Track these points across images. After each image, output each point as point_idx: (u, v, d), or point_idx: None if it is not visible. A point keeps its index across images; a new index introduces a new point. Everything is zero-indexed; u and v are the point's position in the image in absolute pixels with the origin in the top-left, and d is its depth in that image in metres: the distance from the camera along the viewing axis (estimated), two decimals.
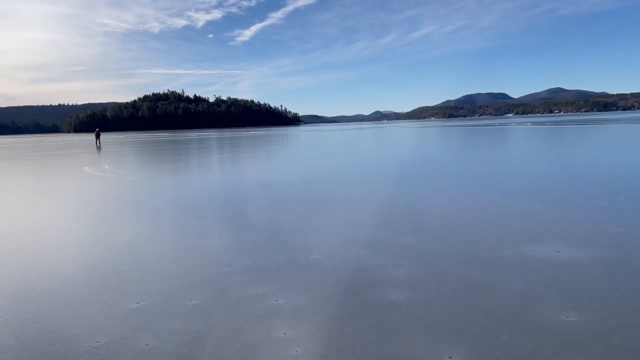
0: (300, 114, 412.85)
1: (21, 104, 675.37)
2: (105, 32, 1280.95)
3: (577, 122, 62.01)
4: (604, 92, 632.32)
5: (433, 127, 72.18)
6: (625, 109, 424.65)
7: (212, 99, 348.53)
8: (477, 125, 71.46)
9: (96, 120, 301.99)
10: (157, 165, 19.45)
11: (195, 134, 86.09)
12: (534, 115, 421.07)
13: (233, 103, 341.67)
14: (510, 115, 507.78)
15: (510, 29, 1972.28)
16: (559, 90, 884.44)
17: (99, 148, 39.08)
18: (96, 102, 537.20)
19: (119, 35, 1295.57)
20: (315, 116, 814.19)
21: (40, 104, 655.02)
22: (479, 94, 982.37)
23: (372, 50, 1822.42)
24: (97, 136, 45.36)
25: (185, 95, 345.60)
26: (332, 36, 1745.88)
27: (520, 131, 42.18)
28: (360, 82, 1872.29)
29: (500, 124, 73.34)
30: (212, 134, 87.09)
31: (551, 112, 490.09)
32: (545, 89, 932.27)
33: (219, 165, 18.14)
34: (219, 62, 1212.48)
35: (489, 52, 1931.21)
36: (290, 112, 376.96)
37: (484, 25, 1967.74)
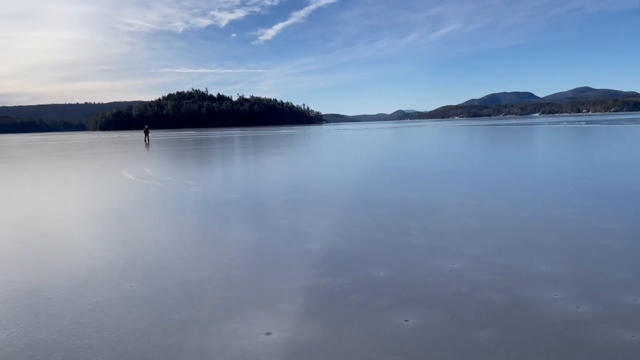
0: (322, 113, 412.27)
1: (49, 103, 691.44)
2: (131, 32, 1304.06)
3: (618, 122, 59.68)
4: (634, 92, 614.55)
5: (469, 127, 70.44)
6: None
7: (235, 98, 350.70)
8: (516, 125, 69.53)
9: (121, 118, 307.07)
10: (211, 167, 17.66)
11: (225, 132, 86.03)
12: (561, 115, 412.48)
13: (256, 102, 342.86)
14: (537, 115, 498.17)
15: (536, 27, 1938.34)
16: (586, 89, 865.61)
17: (147, 145, 39.28)
18: (121, 100, 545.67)
19: (144, 35, 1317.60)
20: (337, 115, 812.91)
21: (67, 103, 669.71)
22: (504, 93, 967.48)
23: (394, 49, 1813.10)
24: (146, 133, 45.83)
25: (209, 94, 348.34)
26: (354, 35, 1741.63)
27: (568, 131, 40.55)
28: (382, 81, 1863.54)
29: (538, 123, 71.24)
30: (242, 132, 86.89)
31: (579, 111, 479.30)
32: (572, 88, 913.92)
33: (284, 167, 16.54)
34: (242, 61, 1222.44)
35: (514, 50, 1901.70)
36: (312, 110, 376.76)
37: (509, 23, 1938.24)
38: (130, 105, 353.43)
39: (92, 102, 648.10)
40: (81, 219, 7.91)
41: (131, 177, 13.33)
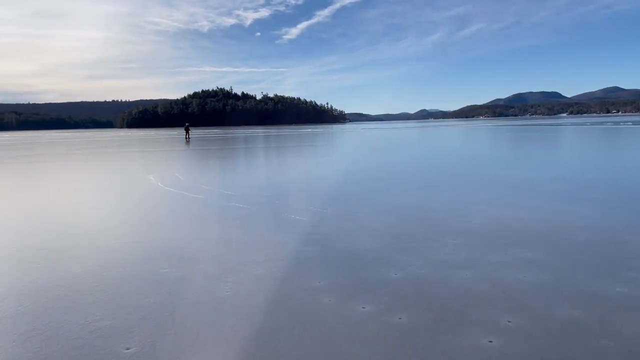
0: (345, 112, 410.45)
1: (77, 100, 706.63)
2: (157, 31, 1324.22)
3: None
4: None
5: (504, 127, 68.27)
6: None
7: (259, 96, 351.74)
8: (552, 125, 67.15)
9: (148, 116, 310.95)
10: (251, 172, 15.53)
11: (253, 131, 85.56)
12: (589, 115, 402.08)
13: (280, 100, 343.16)
14: (564, 115, 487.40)
15: (563, 25, 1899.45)
16: (616, 89, 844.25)
17: (187, 142, 39.59)
18: (148, 98, 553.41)
19: (170, 33, 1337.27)
20: (360, 114, 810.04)
21: (95, 100, 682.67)
22: (530, 92, 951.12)
23: (418, 48, 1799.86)
24: (187, 130, 47.83)
25: (233, 93, 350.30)
26: (378, 34, 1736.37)
27: (619, 132, 38.52)
28: (406, 80, 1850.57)
29: (578, 124, 68.56)
30: (269, 130, 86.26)
31: (608, 112, 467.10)
32: (601, 88, 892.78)
33: (336, 173, 13.84)
34: (266, 60, 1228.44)
35: (540, 49, 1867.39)
36: (336, 109, 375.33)
37: (535, 21, 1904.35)
38: (156, 103, 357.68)
39: (119, 100, 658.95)
40: (65, 255, 5.57)
41: (158, 183, 11.65)
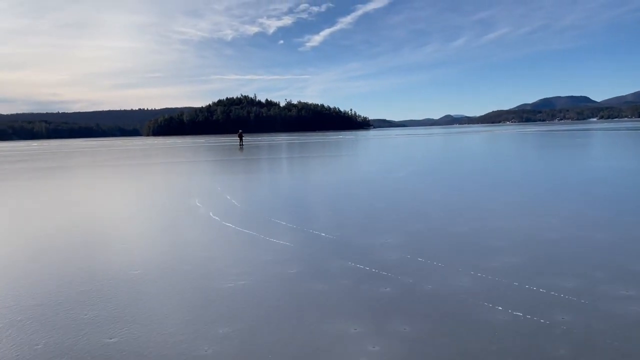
0: (368, 118, 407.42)
1: (105, 109, 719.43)
2: (182, 40, 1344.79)
3: None
4: None
5: (542, 132, 65.35)
6: None
7: (282, 103, 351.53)
8: (589, 130, 64.01)
9: (173, 124, 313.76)
10: (329, 192, 11.46)
11: (283, 138, 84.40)
12: (621, 120, 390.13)
13: (304, 107, 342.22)
14: (594, 119, 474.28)
15: (592, 28, 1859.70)
16: None
17: (241, 148, 39.44)
18: (173, 106, 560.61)
19: (194, 42, 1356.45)
20: (384, 120, 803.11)
21: (122, 109, 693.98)
22: (558, 97, 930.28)
23: (442, 53, 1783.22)
24: (240, 137, 47.92)
25: (257, 100, 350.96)
26: (401, 39, 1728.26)
27: None
28: (430, 85, 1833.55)
29: (619, 129, 65.17)
30: (299, 138, 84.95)
31: None
32: (632, 91, 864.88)
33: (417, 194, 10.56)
34: (289, 67, 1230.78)
35: (568, 53, 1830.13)
36: (359, 116, 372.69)
37: (563, 25, 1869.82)
38: (181, 111, 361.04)
39: (145, 108, 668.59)
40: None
41: (210, 213, 8.73)
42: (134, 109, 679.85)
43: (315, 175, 16.72)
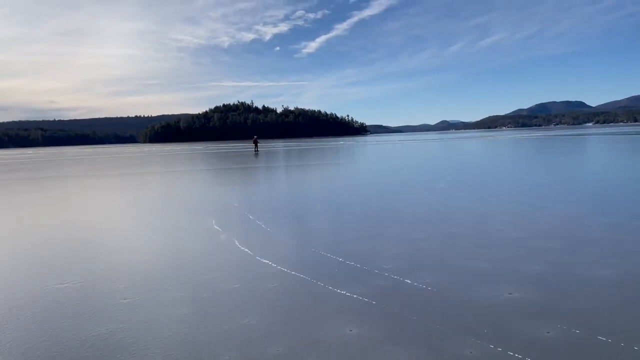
0: (365, 124, 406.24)
1: (101, 116, 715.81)
2: (179, 47, 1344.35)
3: None
4: None
5: (544, 138, 64.03)
6: None
7: (279, 110, 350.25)
8: (590, 135, 62.72)
9: (170, 131, 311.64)
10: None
11: (284, 144, 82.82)
12: (617, 124, 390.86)
13: (300, 113, 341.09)
14: (590, 124, 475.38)
15: (588, 34, 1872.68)
16: None
17: (256, 154, 38.36)
18: (170, 113, 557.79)
19: (191, 50, 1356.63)
20: (380, 126, 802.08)
21: (118, 116, 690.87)
22: (554, 102, 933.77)
23: (439, 59, 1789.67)
24: (255, 143, 46.99)
25: (254, 106, 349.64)
26: (397, 45, 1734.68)
27: None
28: (426, 91, 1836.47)
29: (618, 133, 63.89)
30: (301, 143, 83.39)
31: (636, 121, 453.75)
32: (627, 96, 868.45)
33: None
34: (285, 74, 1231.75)
35: (564, 58, 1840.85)
36: (356, 121, 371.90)
37: (559, 30, 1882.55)
38: (178, 117, 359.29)
39: (142, 115, 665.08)
40: None
41: (235, 241, 6.93)
42: (130, 116, 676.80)
43: (347, 185, 14.68)
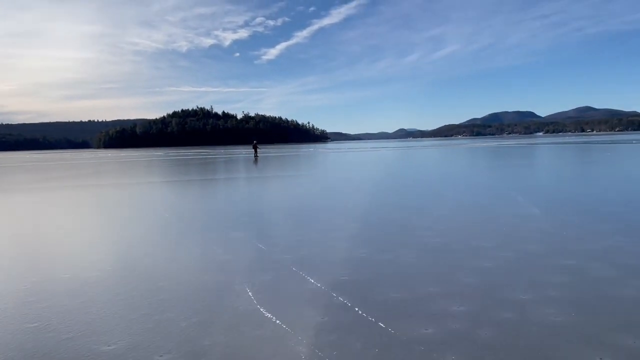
0: (326, 131, 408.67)
1: (52, 120, 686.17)
2: (136, 51, 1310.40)
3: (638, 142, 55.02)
4: (634, 111, 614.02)
5: (503, 147, 65.66)
6: None
7: (240, 116, 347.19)
8: (547, 144, 64.95)
9: (126, 136, 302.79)
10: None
11: (257, 150, 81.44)
12: (565, 134, 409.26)
13: (261, 120, 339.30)
14: (540, 134, 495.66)
15: (537, 47, 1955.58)
16: (588, 109, 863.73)
17: (256, 161, 36.04)
18: (125, 118, 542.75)
19: (149, 54, 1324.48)
20: (340, 133, 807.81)
21: (71, 120, 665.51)
22: (506, 112, 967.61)
23: (396, 68, 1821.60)
24: (255, 148, 44.37)
25: (213, 112, 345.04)
26: (356, 54, 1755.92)
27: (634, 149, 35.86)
28: (384, 99, 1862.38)
29: (571, 142, 66.50)
30: (277, 150, 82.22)
31: (583, 131, 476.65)
32: (574, 107, 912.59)
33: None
34: (245, 80, 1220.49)
35: (514, 70, 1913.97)
36: (317, 129, 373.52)
37: (510, 43, 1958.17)
38: (134, 122, 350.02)
39: (96, 120, 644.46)
40: None
41: (248, 292, 4.85)
42: (83, 120, 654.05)
43: (364, 201, 11.66)
